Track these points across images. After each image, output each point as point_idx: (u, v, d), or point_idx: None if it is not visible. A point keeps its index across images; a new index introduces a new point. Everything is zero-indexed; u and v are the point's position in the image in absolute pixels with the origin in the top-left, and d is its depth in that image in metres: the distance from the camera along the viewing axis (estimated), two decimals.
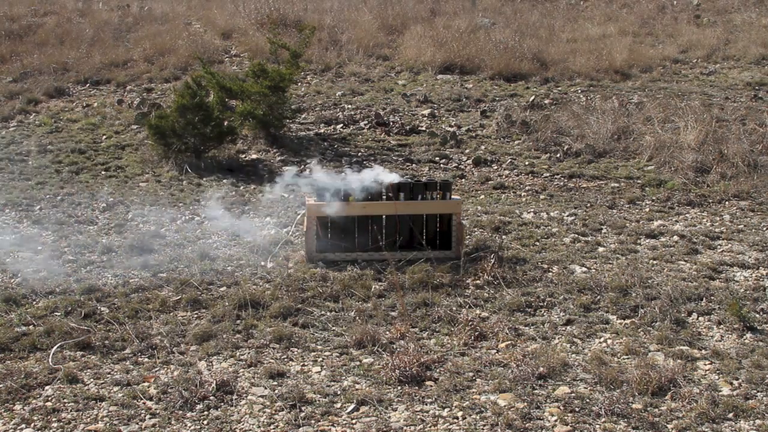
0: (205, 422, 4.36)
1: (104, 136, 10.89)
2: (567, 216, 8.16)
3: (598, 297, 6.06)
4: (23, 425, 4.31)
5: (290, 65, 10.65)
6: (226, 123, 10.04)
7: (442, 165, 10.04)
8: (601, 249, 7.18)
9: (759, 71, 14.03)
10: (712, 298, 6.04)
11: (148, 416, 4.42)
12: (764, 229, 7.80)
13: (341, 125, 11.39)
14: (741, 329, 5.54)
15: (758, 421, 4.40)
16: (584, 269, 6.65)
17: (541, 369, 4.87)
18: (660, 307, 5.78)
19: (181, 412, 4.45)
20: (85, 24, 16.37)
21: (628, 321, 5.70)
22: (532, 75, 13.68)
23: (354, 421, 4.39)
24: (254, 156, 10.28)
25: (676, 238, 7.47)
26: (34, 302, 5.88)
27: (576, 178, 9.58)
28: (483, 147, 10.59)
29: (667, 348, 5.26)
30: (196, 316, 5.73)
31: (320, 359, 5.12)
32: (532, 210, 8.37)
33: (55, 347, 5.13)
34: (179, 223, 7.82)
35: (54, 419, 4.37)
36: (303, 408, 4.50)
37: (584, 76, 13.65)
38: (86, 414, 4.43)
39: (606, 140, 10.42)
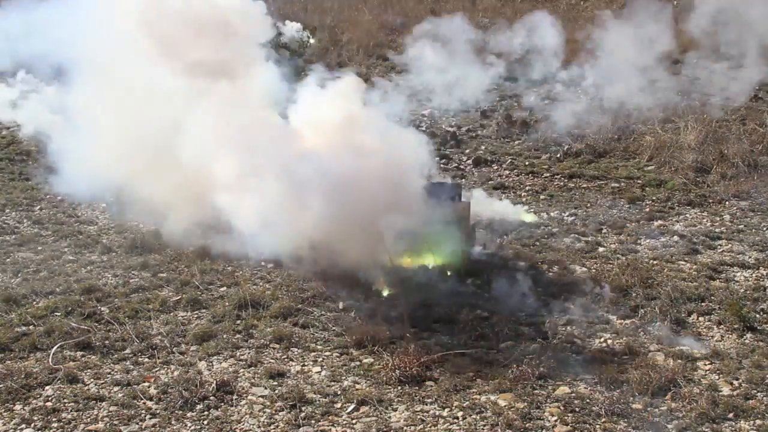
0: (205, 422, 4.36)
1: None
2: (567, 216, 8.16)
3: (598, 297, 6.06)
4: (23, 425, 4.31)
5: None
6: None
7: (442, 165, 10.03)
8: (601, 249, 7.18)
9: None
10: (712, 298, 6.04)
11: (148, 416, 4.41)
12: (764, 229, 7.80)
13: None
14: (741, 329, 5.54)
15: (758, 421, 4.40)
16: (584, 269, 6.65)
17: (541, 369, 4.87)
18: (660, 307, 5.78)
19: (181, 412, 4.45)
20: None
21: (628, 321, 5.70)
22: None
23: (354, 421, 4.39)
24: None
25: (676, 238, 7.47)
26: (34, 302, 5.88)
27: (576, 178, 9.57)
28: (483, 147, 10.59)
29: (667, 348, 5.26)
30: (196, 316, 5.73)
31: (320, 359, 5.12)
32: (532, 210, 8.37)
33: (55, 347, 5.12)
34: None
35: (54, 419, 4.36)
36: (303, 408, 4.49)
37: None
38: (86, 414, 4.42)
39: (606, 140, 10.42)
